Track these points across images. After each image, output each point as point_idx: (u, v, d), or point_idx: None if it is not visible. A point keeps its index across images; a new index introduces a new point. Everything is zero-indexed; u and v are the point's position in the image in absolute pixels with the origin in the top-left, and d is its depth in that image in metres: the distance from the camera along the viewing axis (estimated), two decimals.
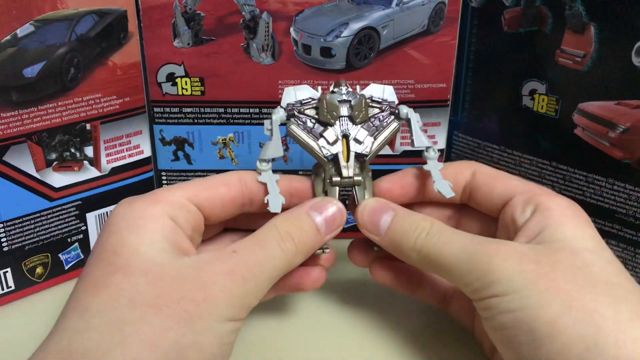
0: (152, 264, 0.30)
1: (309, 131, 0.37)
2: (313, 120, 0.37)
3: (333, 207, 0.35)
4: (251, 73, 0.45)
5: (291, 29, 0.44)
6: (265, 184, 0.36)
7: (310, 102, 0.37)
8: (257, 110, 0.47)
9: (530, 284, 0.30)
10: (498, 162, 0.49)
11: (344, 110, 0.37)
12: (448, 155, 0.53)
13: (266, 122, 0.37)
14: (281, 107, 0.37)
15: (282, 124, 0.37)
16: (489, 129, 0.49)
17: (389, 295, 0.41)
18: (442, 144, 0.49)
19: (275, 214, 0.35)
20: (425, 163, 0.38)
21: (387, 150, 0.47)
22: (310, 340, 0.40)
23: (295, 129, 0.36)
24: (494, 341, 0.32)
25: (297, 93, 0.37)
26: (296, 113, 0.37)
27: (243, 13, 0.44)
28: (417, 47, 0.45)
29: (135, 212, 0.32)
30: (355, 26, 0.44)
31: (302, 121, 0.37)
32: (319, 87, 0.38)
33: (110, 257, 0.30)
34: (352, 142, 0.36)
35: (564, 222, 0.33)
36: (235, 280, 0.30)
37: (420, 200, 0.39)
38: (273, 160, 0.37)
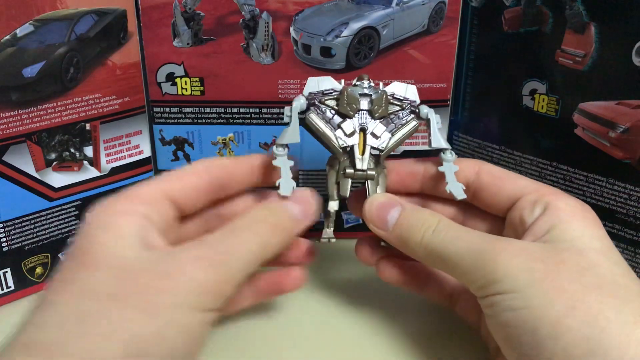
0: (119, 259, 0.30)
1: (327, 121, 0.37)
2: (333, 111, 0.37)
3: (303, 190, 0.36)
4: (251, 73, 0.45)
5: (291, 29, 0.44)
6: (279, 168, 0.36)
7: (331, 92, 0.37)
8: (257, 110, 0.47)
9: (536, 283, 0.29)
10: (498, 162, 0.49)
11: (364, 104, 0.37)
12: None
13: (286, 109, 0.37)
14: (302, 95, 0.37)
15: (301, 113, 0.37)
16: (489, 129, 0.49)
17: (393, 295, 0.41)
18: None
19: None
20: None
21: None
22: (315, 340, 0.40)
23: (314, 117, 0.37)
24: (497, 340, 0.32)
25: (319, 83, 0.38)
26: (316, 102, 0.37)
27: (243, 13, 0.44)
28: (417, 47, 0.45)
29: (107, 210, 0.32)
30: (355, 26, 0.44)
31: (321, 111, 0.37)
32: (342, 80, 0.38)
33: (79, 255, 0.30)
34: (369, 136, 0.37)
35: (572, 221, 0.32)
36: (202, 267, 0.30)
37: (429, 192, 0.39)
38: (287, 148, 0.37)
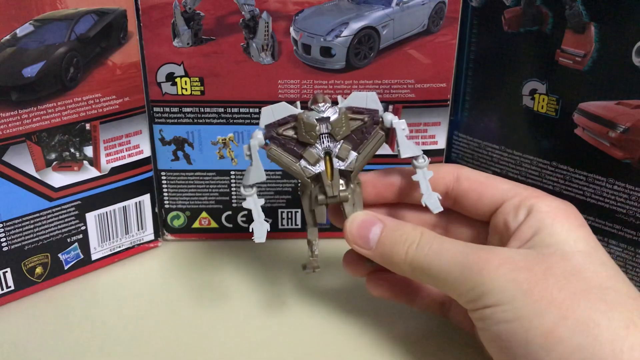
0: None
1: (290, 152, 0.36)
2: (293, 142, 0.36)
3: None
4: (251, 73, 0.45)
5: (291, 29, 0.44)
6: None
7: (289, 121, 0.36)
8: (257, 110, 0.47)
9: (524, 293, 0.29)
10: (498, 162, 0.49)
11: (323, 128, 0.35)
12: (448, 155, 0.52)
13: (245, 148, 0.36)
14: (259, 129, 0.36)
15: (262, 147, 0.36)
16: (489, 129, 0.49)
17: (387, 300, 0.41)
18: (442, 144, 0.49)
19: None
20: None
21: (387, 150, 0.47)
22: (308, 346, 0.40)
23: (275, 152, 0.36)
24: (490, 352, 0.32)
25: (274, 113, 0.36)
26: (275, 135, 0.36)
27: (243, 13, 0.44)
28: (417, 47, 0.45)
29: None
30: (355, 26, 0.44)
31: (281, 143, 0.36)
32: (298, 102, 0.37)
33: None
34: (335, 160, 0.36)
35: (556, 224, 0.32)
36: None
37: (407, 201, 0.39)
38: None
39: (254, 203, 0.36)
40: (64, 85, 0.41)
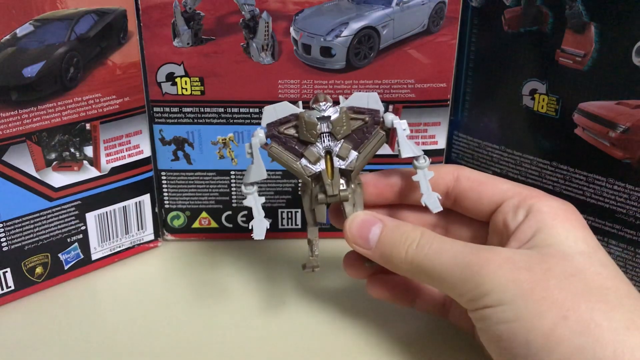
0: None
1: (291, 151, 0.36)
2: (294, 140, 0.36)
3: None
4: (251, 73, 0.45)
5: (291, 29, 0.44)
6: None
7: (290, 120, 0.36)
8: (257, 110, 0.47)
9: (524, 293, 0.29)
10: (498, 162, 0.49)
11: (324, 127, 0.36)
12: (448, 155, 0.52)
13: (246, 146, 0.36)
14: (261, 128, 0.36)
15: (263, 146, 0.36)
16: (489, 129, 0.49)
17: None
18: (442, 144, 0.49)
19: None
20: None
21: (388, 150, 0.47)
22: (308, 346, 0.40)
23: (276, 151, 0.36)
24: (490, 353, 0.32)
25: (277, 112, 0.36)
26: (276, 134, 0.36)
27: (243, 12, 0.44)
28: (417, 47, 0.45)
29: None
30: (355, 26, 0.44)
31: (282, 141, 0.36)
32: (300, 102, 0.37)
33: None
34: (335, 159, 0.36)
35: (556, 225, 0.32)
36: None
37: (408, 201, 0.39)
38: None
39: (254, 201, 0.36)
40: (64, 85, 0.41)
